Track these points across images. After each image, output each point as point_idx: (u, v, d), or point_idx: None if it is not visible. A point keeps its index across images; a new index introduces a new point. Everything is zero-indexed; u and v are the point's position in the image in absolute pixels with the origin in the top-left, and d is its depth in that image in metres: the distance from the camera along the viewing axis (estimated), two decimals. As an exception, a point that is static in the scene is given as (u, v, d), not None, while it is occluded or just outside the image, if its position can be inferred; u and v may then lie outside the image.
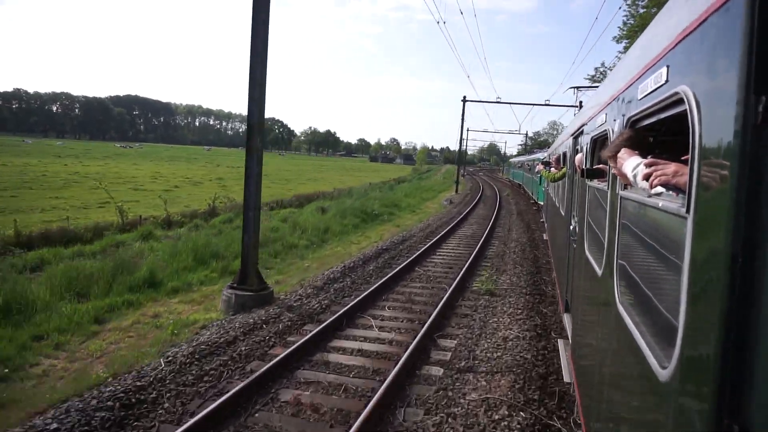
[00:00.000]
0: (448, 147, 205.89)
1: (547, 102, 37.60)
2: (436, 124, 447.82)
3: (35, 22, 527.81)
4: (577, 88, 21.69)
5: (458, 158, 43.01)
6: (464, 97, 41.50)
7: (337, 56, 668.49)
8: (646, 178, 1.82)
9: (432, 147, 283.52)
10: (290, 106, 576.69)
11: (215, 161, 78.11)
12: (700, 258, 1.36)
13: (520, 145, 74.39)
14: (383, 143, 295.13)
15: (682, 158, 1.65)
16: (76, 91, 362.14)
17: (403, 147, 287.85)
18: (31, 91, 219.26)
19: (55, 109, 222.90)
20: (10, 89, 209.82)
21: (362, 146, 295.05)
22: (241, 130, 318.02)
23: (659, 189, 1.75)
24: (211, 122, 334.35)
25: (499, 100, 39.08)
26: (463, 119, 41.51)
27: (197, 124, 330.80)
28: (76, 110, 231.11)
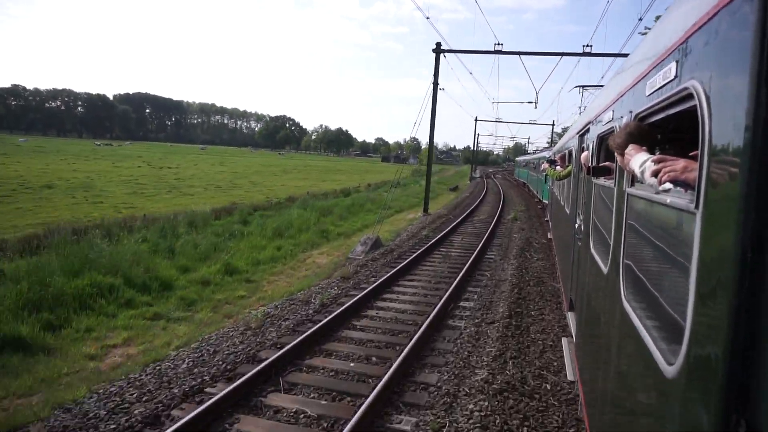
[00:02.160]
0: (468, 146, 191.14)
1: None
2: (461, 123, 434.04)
3: (43, 18, 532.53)
4: (583, 86, 21.53)
5: (429, 154, 28.23)
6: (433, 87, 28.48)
7: (362, 56, 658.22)
8: (655, 174, 1.84)
9: (453, 146, 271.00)
10: (305, 105, 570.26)
11: (169, 161, 66.18)
12: (709, 254, 1.37)
13: (547, 143, 61.05)
14: (402, 142, 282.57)
15: (690, 154, 1.78)
16: (82, 88, 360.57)
17: (423, 147, 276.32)
18: (30, 87, 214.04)
19: (55, 106, 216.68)
20: (7, 85, 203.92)
21: (380, 146, 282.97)
22: (255, 128, 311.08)
23: (668, 185, 1.76)
24: (225, 121, 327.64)
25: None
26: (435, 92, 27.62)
27: (212, 122, 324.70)
28: (79, 108, 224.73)
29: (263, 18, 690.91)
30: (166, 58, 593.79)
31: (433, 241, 15.96)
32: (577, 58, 23.16)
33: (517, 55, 23.51)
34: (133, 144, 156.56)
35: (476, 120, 61.05)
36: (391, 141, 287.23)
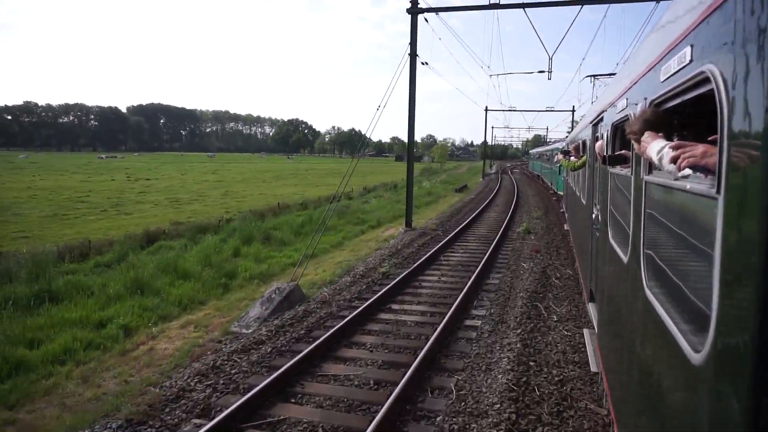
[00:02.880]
0: (486, 142, 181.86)
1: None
2: (477, 118, 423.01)
3: (52, 32, 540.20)
4: (594, 76, 20.57)
5: (409, 151, 21.97)
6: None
7: (377, 56, 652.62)
8: (674, 160, 1.80)
9: (471, 142, 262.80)
10: (319, 108, 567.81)
11: (156, 173, 61.48)
12: (733, 239, 1.36)
13: (567, 132, 54.44)
14: (419, 141, 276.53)
15: (709, 139, 1.70)
16: (95, 102, 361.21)
17: (439, 142, 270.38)
18: (42, 103, 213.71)
19: (67, 120, 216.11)
20: (20, 102, 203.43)
21: (395, 145, 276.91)
22: (270, 133, 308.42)
23: (687, 171, 1.73)
24: (239, 127, 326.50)
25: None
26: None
27: (226, 130, 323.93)
28: (92, 121, 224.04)
29: (276, 23, 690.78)
30: (179, 67, 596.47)
31: (388, 287, 9.80)
32: (606, 6, 16.74)
33: (521, 8, 17.10)
34: (141, 155, 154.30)
35: (486, 110, 54.64)
36: (406, 139, 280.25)
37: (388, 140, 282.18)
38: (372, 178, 61.12)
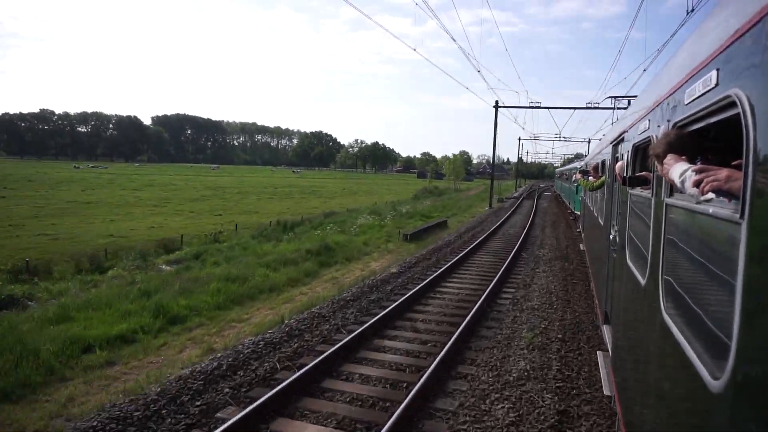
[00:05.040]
0: (521, 158, 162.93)
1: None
2: (513, 135, 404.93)
3: (79, 42, 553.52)
4: (615, 97, 21.51)
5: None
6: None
7: (416, 73, 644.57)
8: (696, 184, 1.82)
9: (506, 159, 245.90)
10: (350, 123, 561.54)
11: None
12: (756, 265, 1.36)
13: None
14: (450, 157, 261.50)
15: (733, 163, 1.78)
16: (121, 112, 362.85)
17: (475, 161, 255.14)
18: (59, 111, 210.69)
19: (84, 129, 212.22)
20: (36, 110, 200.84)
21: (425, 161, 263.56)
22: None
23: (710, 195, 1.75)
24: (266, 140, 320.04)
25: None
26: None
27: (255, 141, 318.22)
28: (110, 130, 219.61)
29: (318, 42, 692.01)
30: (207, 79, 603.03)
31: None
32: None
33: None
34: (141, 166, 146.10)
35: (520, 140, 42.30)
36: (439, 156, 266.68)
37: (418, 155, 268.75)
38: (352, 199, 52.91)
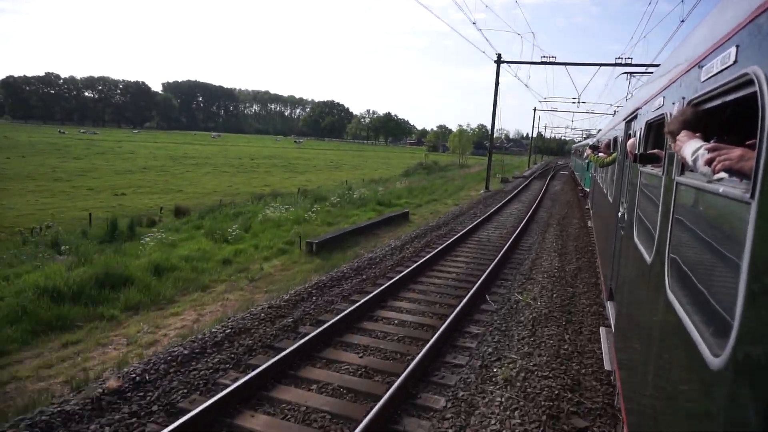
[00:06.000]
0: (540, 133, 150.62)
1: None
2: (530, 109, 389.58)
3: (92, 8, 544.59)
4: (630, 73, 21.35)
5: None
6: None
7: (441, 44, 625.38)
8: (709, 162, 1.77)
9: (525, 134, 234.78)
10: (366, 94, 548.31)
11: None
12: (764, 245, 1.35)
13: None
14: (469, 130, 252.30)
15: (747, 143, 1.70)
16: (131, 78, 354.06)
17: (495, 135, 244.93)
18: (65, 75, 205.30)
19: (90, 95, 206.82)
20: (41, 74, 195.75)
21: (439, 134, 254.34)
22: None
23: (722, 174, 1.70)
24: (279, 108, 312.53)
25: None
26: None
27: (268, 111, 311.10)
28: (117, 96, 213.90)
29: (340, 10, 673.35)
30: (219, 46, 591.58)
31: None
32: None
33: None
34: (140, 132, 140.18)
35: (535, 110, 37.04)
36: (454, 128, 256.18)
37: (435, 128, 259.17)
38: (327, 175, 47.50)
